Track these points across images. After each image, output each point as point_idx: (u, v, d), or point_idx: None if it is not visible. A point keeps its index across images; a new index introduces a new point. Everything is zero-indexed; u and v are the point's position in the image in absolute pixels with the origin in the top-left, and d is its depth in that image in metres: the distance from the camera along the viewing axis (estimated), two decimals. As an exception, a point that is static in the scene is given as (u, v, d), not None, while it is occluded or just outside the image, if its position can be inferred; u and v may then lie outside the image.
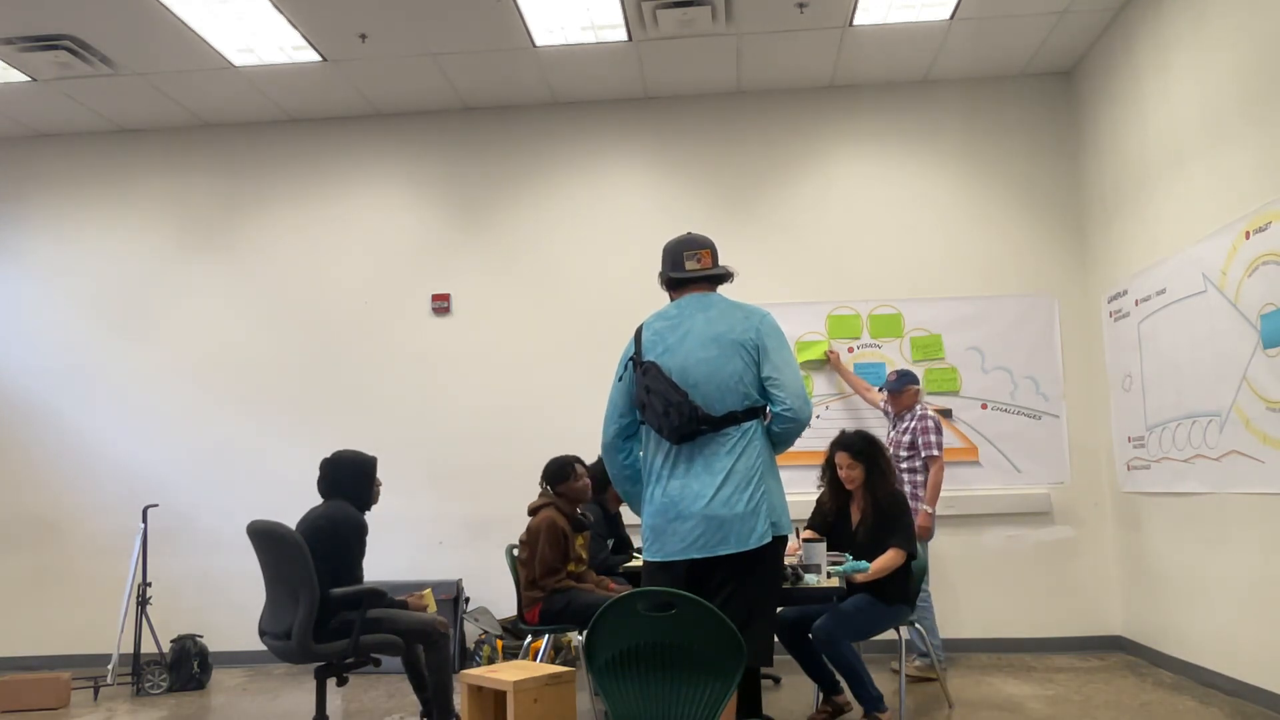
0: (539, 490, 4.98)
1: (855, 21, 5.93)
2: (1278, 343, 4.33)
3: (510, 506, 6.42)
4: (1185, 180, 5.18)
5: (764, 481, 3.04)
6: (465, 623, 6.33)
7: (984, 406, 6.47)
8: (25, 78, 6.31)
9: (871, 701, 4.22)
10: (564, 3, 5.62)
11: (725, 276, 3.30)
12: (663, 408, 2.99)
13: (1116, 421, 6.10)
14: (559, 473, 4.88)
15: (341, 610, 4.19)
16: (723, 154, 6.88)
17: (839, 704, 4.60)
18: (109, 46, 5.94)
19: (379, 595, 4.21)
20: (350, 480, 4.48)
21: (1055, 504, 6.37)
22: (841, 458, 4.58)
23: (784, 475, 6.51)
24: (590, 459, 5.14)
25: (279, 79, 6.49)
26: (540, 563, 4.68)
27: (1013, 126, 6.71)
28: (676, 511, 3.01)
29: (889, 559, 4.32)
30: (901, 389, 5.74)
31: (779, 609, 4.86)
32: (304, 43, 5.99)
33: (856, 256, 6.70)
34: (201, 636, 6.15)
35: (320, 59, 6.22)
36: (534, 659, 5.74)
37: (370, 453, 4.63)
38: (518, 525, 6.00)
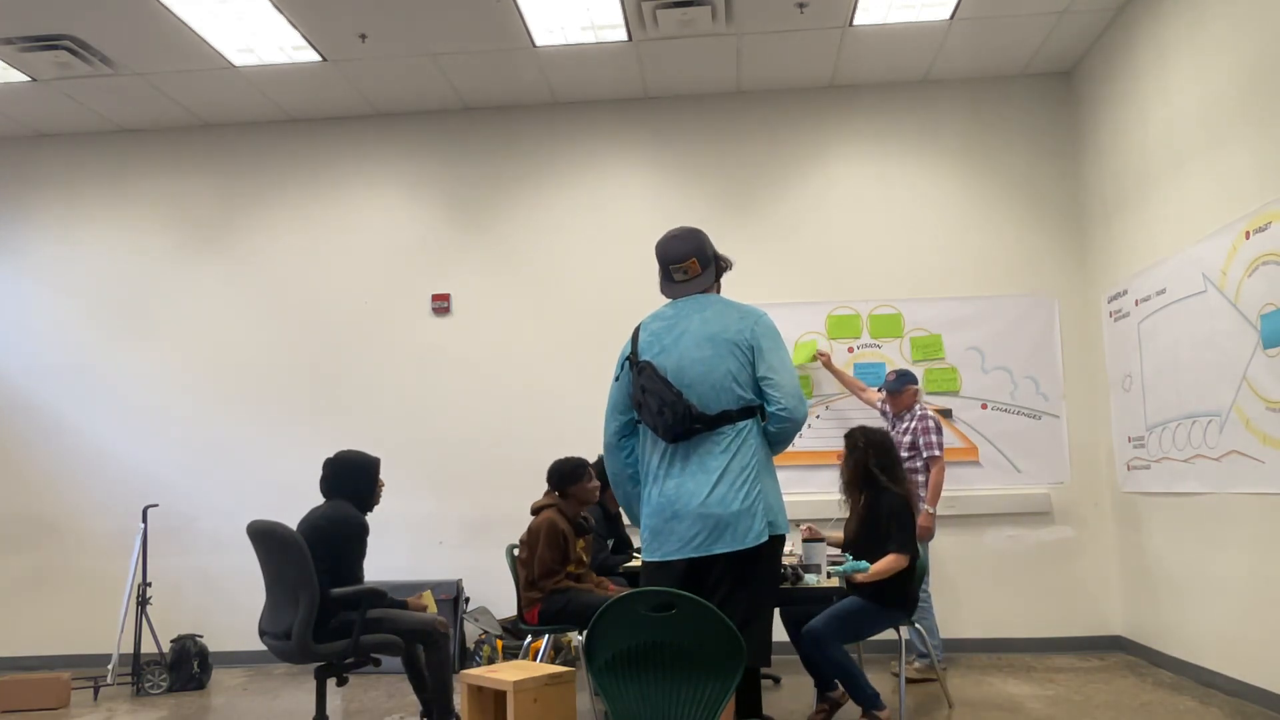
0: (544, 491, 4.97)
1: (855, 21, 5.93)
2: (1278, 343, 4.33)
3: (510, 506, 6.42)
4: (1185, 180, 5.18)
5: (759, 480, 3.04)
6: (465, 623, 6.33)
7: (984, 406, 6.47)
8: (25, 78, 6.31)
9: (868, 700, 4.22)
10: (564, 3, 5.62)
11: (719, 274, 3.29)
12: (657, 407, 3.01)
13: (1116, 421, 6.10)
14: (570, 474, 4.86)
15: (341, 610, 4.18)
16: (723, 154, 6.88)
17: (834, 700, 4.60)
18: (109, 46, 5.94)
19: (379, 595, 4.21)
20: (352, 480, 4.48)
21: (1055, 504, 6.37)
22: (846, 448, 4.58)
23: (784, 475, 6.53)
24: (591, 458, 5.14)
25: (279, 79, 6.49)
26: (539, 564, 4.67)
27: (1013, 126, 6.71)
28: (673, 511, 3.02)
29: (889, 563, 4.30)
30: (901, 389, 5.70)
31: (785, 610, 4.87)
32: (304, 43, 5.99)
33: (856, 256, 6.70)
34: (201, 636, 6.15)
35: (320, 59, 6.22)
36: (534, 659, 5.74)
37: (373, 454, 4.62)
38: (518, 525, 5.99)
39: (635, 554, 5.39)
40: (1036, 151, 6.68)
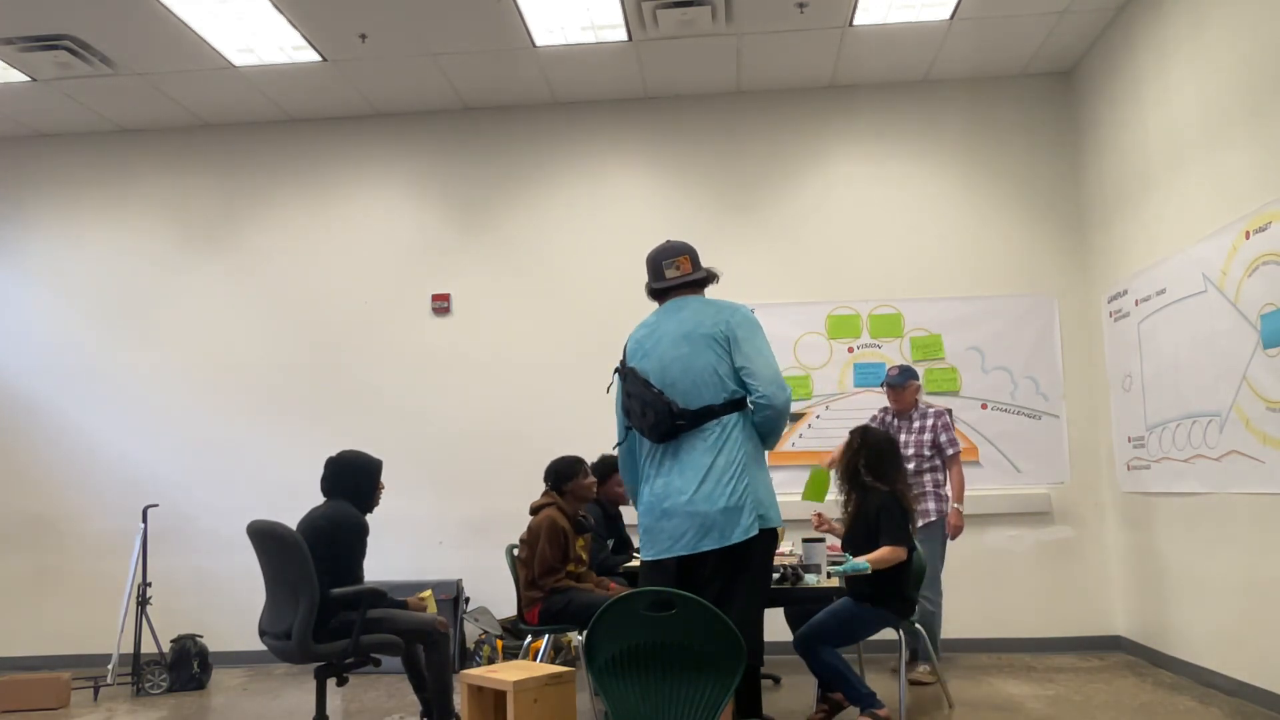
0: (542, 490, 4.97)
1: (855, 21, 5.93)
2: (1278, 343, 4.33)
3: (510, 506, 6.42)
4: (1185, 180, 5.18)
5: (747, 474, 3.04)
6: (465, 623, 6.33)
7: (984, 406, 6.47)
8: (25, 78, 6.31)
9: (864, 700, 4.22)
10: (564, 3, 5.62)
11: (706, 279, 3.31)
12: (640, 409, 3.06)
13: (1116, 421, 6.10)
14: (565, 471, 4.87)
15: (341, 610, 4.18)
16: (723, 154, 6.88)
17: (835, 701, 4.60)
18: (109, 46, 5.94)
19: (379, 595, 4.21)
20: (352, 481, 4.48)
21: (1055, 504, 6.37)
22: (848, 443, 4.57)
23: (784, 475, 6.52)
24: (590, 458, 5.14)
25: (279, 79, 6.49)
26: (539, 562, 4.67)
27: (1013, 126, 6.71)
28: (662, 510, 3.05)
29: (884, 554, 4.28)
30: (904, 384, 5.57)
31: (789, 611, 4.87)
32: (304, 43, 5.99)
33: (856, 256, 6.70)
34: (201, 636, 6.15)
35: (320, 59, 6.22)
36: (534, 659, 5.74)
37: (375, 454, 4.62)
38: (518, 525, 5.99)
39: (635, 554, 5.39)
40: (1036, 151, 6.68)
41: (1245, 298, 4.58)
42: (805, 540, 4.58)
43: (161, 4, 5.48)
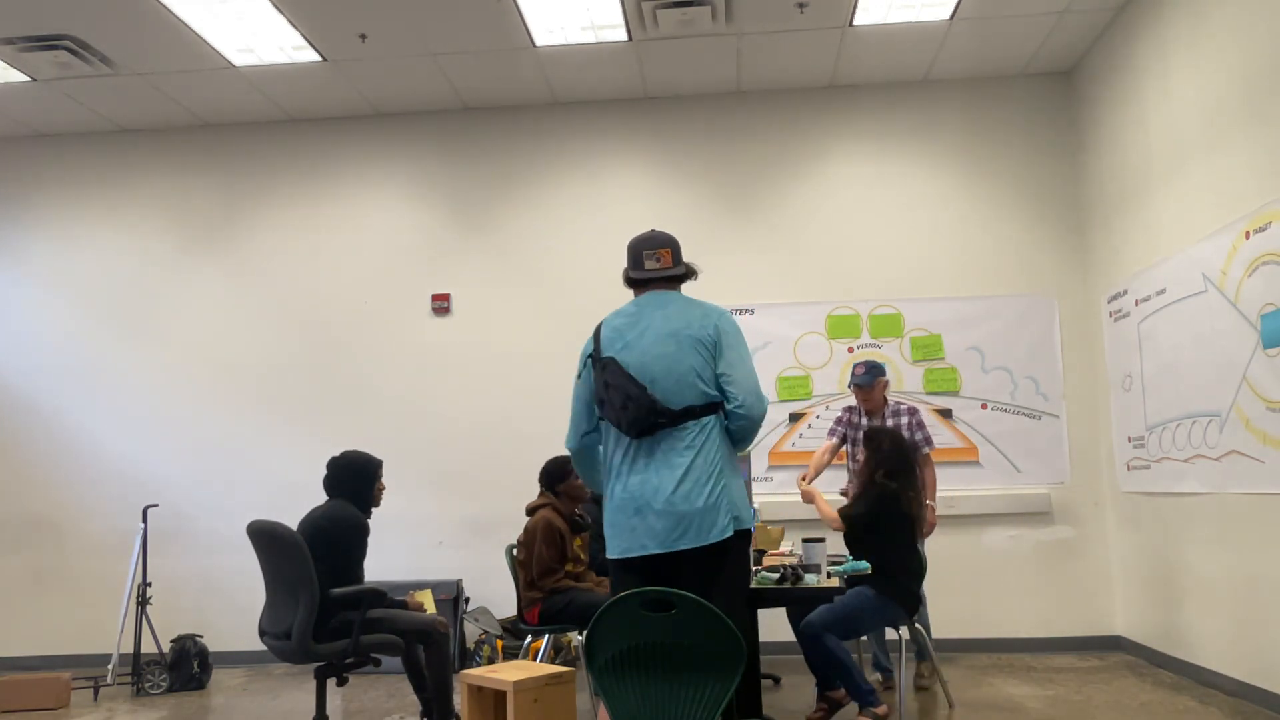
0: (538, 491, 4.98)
1: (855, 21, 5.93)
2: (1278, 343, 4.33)
3: (510, 506, 6.41)
4: (1185, 180, 5.18)
5: (724, 476, 3.04)
6: (465, 623, 6.33)
7: (984, 406, 6.47)
8: (25, 78, 6.31)
9: (864, 695, 4.22)
10: (564, 3, 5.62)
11: (686, 275, 3.28)
12: (621, 402, 2.99)
13: (1116, 421, 6.10)
14: (558, 472, 4.88)
15: (342, 610, 4.19)
16: (723, 154, 6.88)
17: (834, 700, 4.60)
18: (109, 46, 5.94)
19: (379, 595, 4.21)
20: (351, 480, 4.49)
21: (1055, 504, 6.37)
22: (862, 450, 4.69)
23: (784, 475, 6.50)
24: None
25: (279, 79, 6.49)
26: (537, 563, 4.68)
27: (1012, 126, 6.71)
28: (636, 507, 3.00)
29: (828, 511, 4.48)
30: (872, 383, 5.33)
31: (790, 611, 4.87)
32: (304, 43, 5.99)
33: (856, 256, 6.70)
34: (201, 636, 6.15)
35: (320, 59, 6.22)
36: (534, 659, 5.74)
37: (375, 454, 4.63)
38: (518, 525, 5.99)
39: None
40: (1036, 151, 6.68)
41: (1245, 298, 4.58)
42: (805, 540, 4.58)
43: (161, 4, 5.48)
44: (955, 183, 6.71)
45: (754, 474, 6.35)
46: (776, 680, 5.62)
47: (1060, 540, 6.35)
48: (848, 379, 5.49)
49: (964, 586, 6.33)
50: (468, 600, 6.53)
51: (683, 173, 6.89)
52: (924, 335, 6.57)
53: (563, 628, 4.76)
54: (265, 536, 4.21)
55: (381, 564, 6.54)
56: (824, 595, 4.29)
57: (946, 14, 5.86)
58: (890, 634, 4.61)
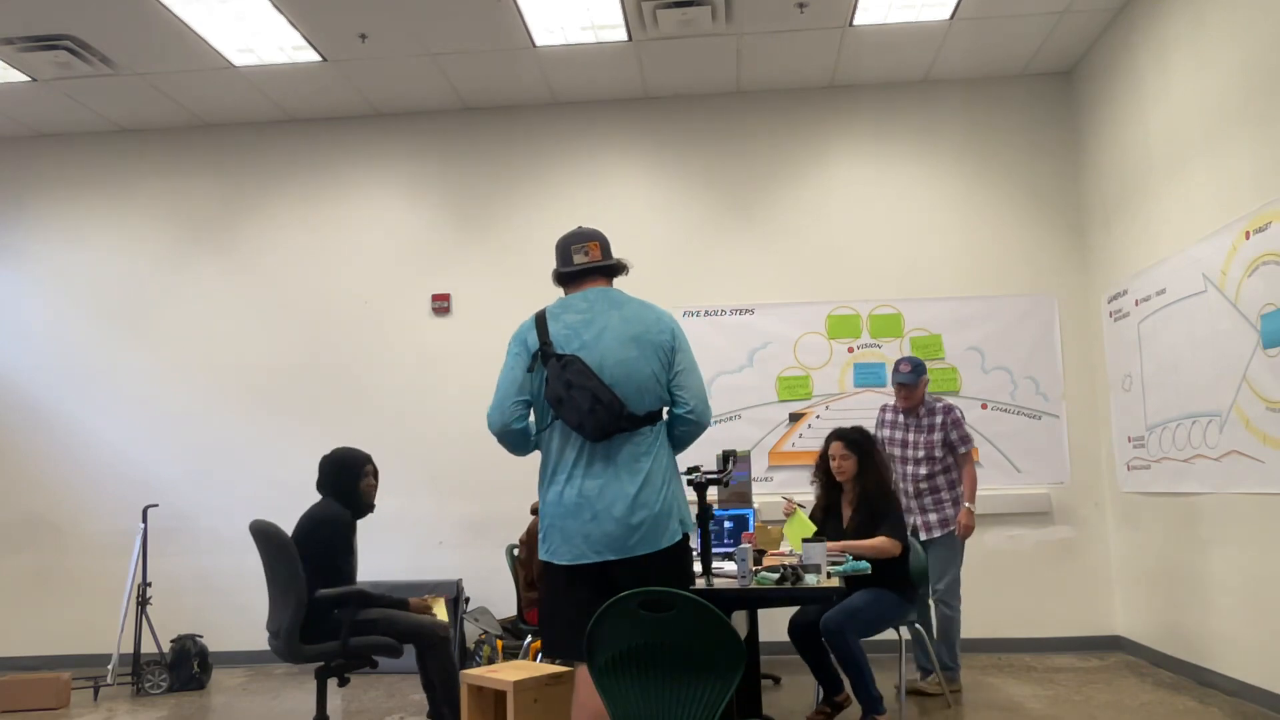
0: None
1: (855, 21, 5.93)
2: (1278, 343, 4.34)
3: (510, 506, 6.42)
4: (1185, 180, 5.18)
5: (672, 481, 3.04)
6: (465, 623, 6.33)
7: (984, 406, 6.47)
8: (25, 78, 6.31)
9: (871, 702, 4.22)
10: (564, 3, 5.62)
11: (617, 268, 3.22)
12: (589, 405, 2.91)
13: (1116, 421, 6.10)
14: None
15: (335, 610, 4.20)
16: (723, 154, 6.88)
17: (838, 703, 4.61)
18: (109, 46, 5.94)
19: (365, 596, 4.21)
20: (336, 477, 4.49)
21: (1055, 504, 6.37)
22: (836, 448, 4.63)
23: (783, 475, 6.49)
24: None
25: (279, 79, 6.49)
26: (537, 563, 4.67)
27: (1013, 126, 6.71)
28: (593, 512, 2.94)
29: (880, 542, 4.35)
30: (918, 381, 5.13)
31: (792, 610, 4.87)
32: (304, 43, 5.99)
33: (857, 256, 6.70)
34: (201, 636, 6.15)
35: (320, 59, 6.22)
36: (534, 659, 5.74)
37: (377, 454, 4.62)
38: (518, 525, 5.99)
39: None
40: (1036, 151, 6.68)
41: (1245, 298, 4.58)
42: (805, 540, 4.57)
43: (161, 4, 5.48)
44: (955, 183, 6.71)
45: (754, 474, 6.36)
46: (776, 680, 5.62)
47: (1060, 540, 6.35)
48: (892, 375, 5.24)
49: (964, 586, 6.31)
50: (468, 600, 6.53)
51: (683, 173, 6.89)
52: (924, 335, 6.57)
53: (563, 628, 4.74)
54: (260, 536, 4.24)
55: (381, 564, 6.56)
56: (824, 595, 4.28)
57: (946, 14, 5.86)
58: (889, 634, 4.60)
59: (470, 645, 6.27)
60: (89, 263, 7.17)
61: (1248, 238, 4.56)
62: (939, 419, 5.13)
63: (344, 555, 4.36)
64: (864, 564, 4.24)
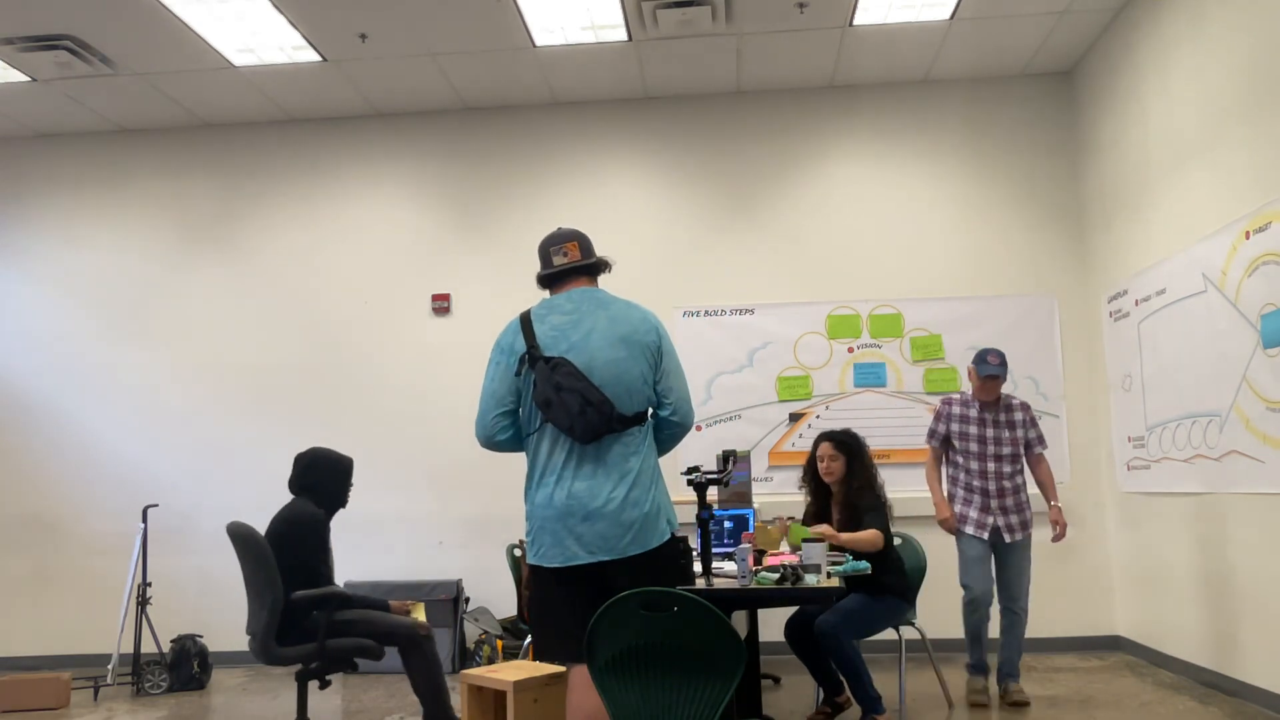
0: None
1: (855, 21, 5.93)
2: (1278, 343, 4.34)
3: (510, 506, 6.42)
4: (1185, 180, 5.18)
5: (658, 481, 3.05)
6: (465, 623, 6.33)
7: (984, 406, 6.46)
8: (25, 78, 6.31)
9: (870, 702, 4.22)
10: (564, 3, 5.62)
11: (598, 266, 3.21)
12: (579, 407, 2.91)
13: (1116, 421, 6.10)
14: None
15: (311, 612, 4.16)
16: (723, 154, 6.88)
17: (839, 704, 4.61)
18: (109, 46, 5.94)
19: (343, 597, 4.17)
20: (313, 477, 4.46)
21: (1055, 504, 6.36)
22: (824, 449, 4.63)
23: (783, 475, 6.48)
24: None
25: (279, 79, 6.49)
26: (526, 566, 4.67)
27: (1013, 126, 6.71)
28: (585, 512, 2.93)
29: (869, 534, 4.33)
30: (1003, 373, 4.84)
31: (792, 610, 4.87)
32: (304, 43, 5.99)
33: (856, 256, 6.70)
34: (201, 636, 6.15)
35: (320, 59, 6.22)
36: (534, 659, 5.73)
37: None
38: (518, 525, 6.00)
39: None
40: (1036, 151, 6.68)
41: (1245, 298, 4.58)
42: (805, 540, 4.57)
43: (161, 4, 5.48)
44: (955, 183, 6.71)
45: (754, 474, 6.36)
46: (776, 680, 5.62)
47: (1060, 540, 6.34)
48: (973, 368, 4.92)
49: (964, 586, 6.32)
50: (468, 600, 6.53)
51: (683, 173, 6.89)
52: (924, 335, 6.57)
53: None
54: (239, 539, 4.19)
55: (381, 564, 6.56)
56: (824, 595, 4.29)
57: (946, 14, 5.86)
58: (889, 634, 4.60)
59: (470, 645, 6.27)
60: (89, 263, 7.17)
61: (1248, 238, 4.56)
62: (1018, 415, 4.92)
63: (321, 555, 4.31)
64: (864, 564, 4.24)
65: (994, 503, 4.83)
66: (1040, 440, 4.94)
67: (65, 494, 6.97)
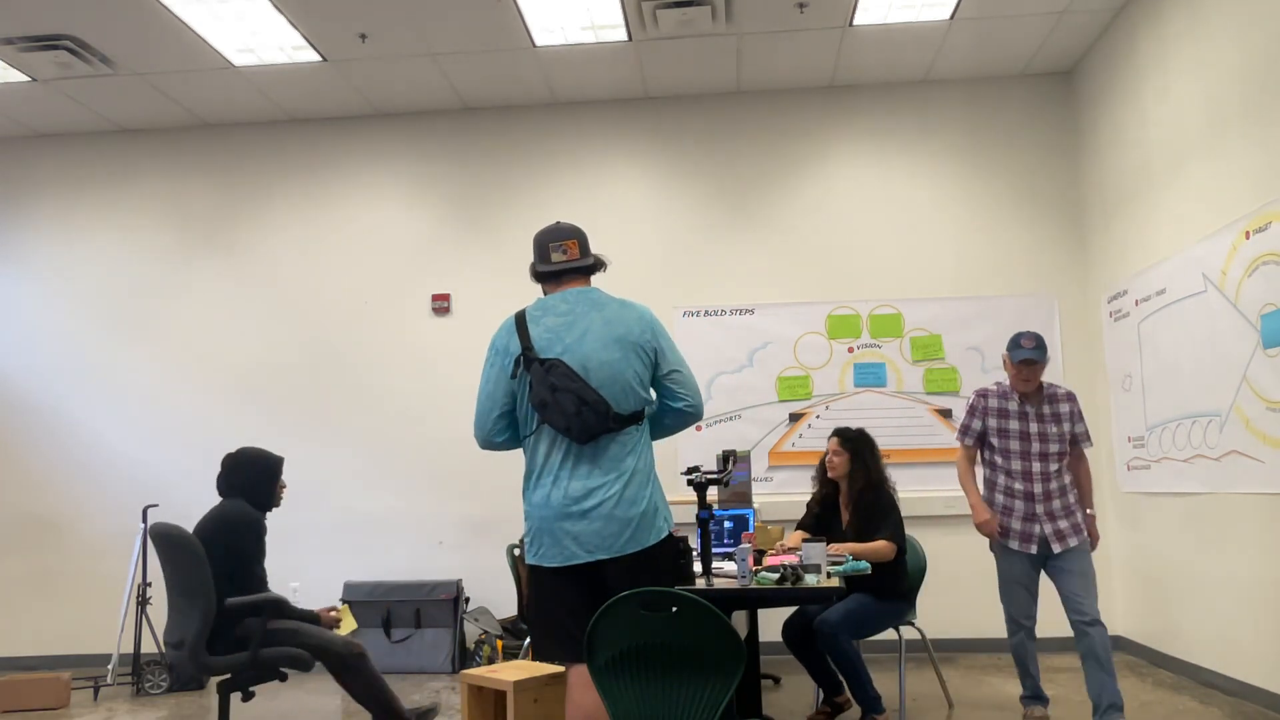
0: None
1: (855, 21, 5.93)
2: (1278, 343, 4.33)
3: (510, 506, 6.42)
4: (1185, 180, 5.18)
5: (654, 480, 3.06)
6: (465, 623, 6.33)
7: (984, 406, 6.46)
8: (25, 78, 6.31)
9: (870, 702, 4.22)
10: (564, 3, 5.62)
11: (596, 266, 3.21)
12: (575, 407, 2.92)
13: (1116, 421, 6.10)
14: None
15: (243, 619, 3.93)
16: (723, 154, 6.88)
17: (839, 704, 4.61)
18: (109, 46, 5.94)
19: (279, 604, 3.96)
20: (247, 478, 4.31)
21: (1055, 504, 6.36)
22: (832, 444, 4.67)
23: (783, 476, 6.49)
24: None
25: (279, 79, 6.49)
26: (524, 567, 4.67)
27: (1013, 126, 6.71)
28: (582, 511, 2.95)
29: (879, 546, 4.34)
30: (1044, 358, 4.22)
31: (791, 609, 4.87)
32: (304, 43, 5.99)
33: (856, 256, 6.70)
34: (201, 636, 6.14)
35: (320, 59, 6.22)
36: (533, 659, 5.73)
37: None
38: (518, 525, 5.97)
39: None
40: (1036, 151, 6.68)
41: (1245, 298, 4.58)
42: (805, 540, 4.57)
43: (161, 4, 5.48)
44: (955, 183, 6.71)
45: (754, 474, 6.36)
46: (776, 680, 5.62)
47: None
48: (1006, 355, 4.30)
49: (964, 586, 6.32)
50: (468, 600, 6.53)
51: (683, 173, 6.89)
52: (924, 335, 6.57)
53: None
54: (163, 540, 3.96)
55: (381, 564, 6.56)
56: (824, 595, 4.29)
57: (946, 14, 5.86)
58: (889, 634, 4.60)
59: (470, 645, 6.27)
60: (89, 263, 7.17)
61: (1248, 238, 4.56)
62: (1064, 407, 4.27)
63: (258, 560, 4.12)
64: (864, 564, 4.25)
65: (1040, 508, 4.22)
66: (1086, 436, 4.30)
67: (65, 494, 6.97)
